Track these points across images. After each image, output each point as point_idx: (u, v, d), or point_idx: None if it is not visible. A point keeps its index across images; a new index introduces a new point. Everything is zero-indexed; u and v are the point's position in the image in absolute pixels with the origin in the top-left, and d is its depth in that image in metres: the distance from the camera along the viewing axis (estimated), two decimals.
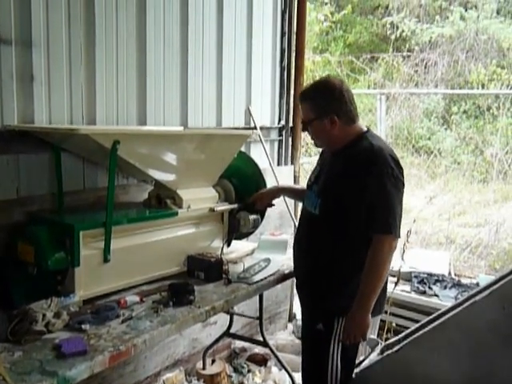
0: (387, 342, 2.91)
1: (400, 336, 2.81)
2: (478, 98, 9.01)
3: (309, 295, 2.70)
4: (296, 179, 4.71)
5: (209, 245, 3.00)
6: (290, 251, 3.03)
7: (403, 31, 10.19)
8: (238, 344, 4.18)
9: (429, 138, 9.15)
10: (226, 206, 3.04)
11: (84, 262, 2.33)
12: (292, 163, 4.72)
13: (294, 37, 4.56)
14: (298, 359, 4.27)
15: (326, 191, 2.55)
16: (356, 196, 2.40)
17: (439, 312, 2.77)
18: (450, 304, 4.42)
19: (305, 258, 2.67)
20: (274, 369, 4.00)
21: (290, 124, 4.64)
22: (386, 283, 2.68)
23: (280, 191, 3.17)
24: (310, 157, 6.53)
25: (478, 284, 4.85)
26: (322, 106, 2.50)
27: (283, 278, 2.92)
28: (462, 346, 2.49)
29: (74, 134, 2.27)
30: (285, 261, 3.04)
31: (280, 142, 4.61)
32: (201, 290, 2.54)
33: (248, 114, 4.13)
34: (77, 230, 2.28)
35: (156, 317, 2.22)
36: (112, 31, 2.97)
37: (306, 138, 4.93)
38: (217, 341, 3.71)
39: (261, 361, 4.10)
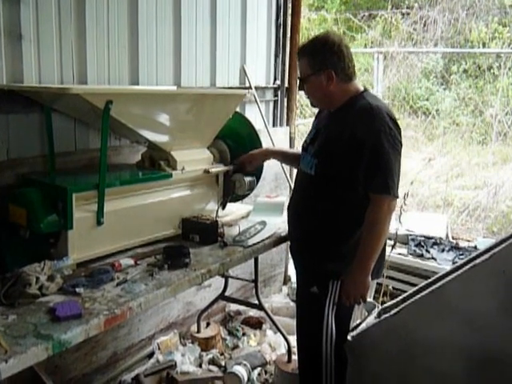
0: (384, 306, 2.95)
1: (397, 299, 2.85)
2: (478, 57, 8.94)
3: (304, 258, 2.73)
4: (291, 141, 4.70)
5: (204, 207, 3.00)
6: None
7: None
8: (233, 307, 4.24)
9: (427, 99, 9.11)
10: (220, 168, 3.03)
11: (77, 224, 2.33)
12: (287, 124, 4.70)
13: None
14: (293, 322, 4.29)
15: (322, 151, 2.56)
16: (353, 156, 2.41)
17: (438, 275, 2.80)
18: (447, 267, 4.50)
19: (300, 220, 2.69)
20: (269, 332, 4.07)
21: (286, 84, 4.60)
22: (385, 246, 2.71)
23: (270, 154, 3.14)
24: (304, 118, 6.50)
25: (475, 247, 4.90)
26: (319, 61, 2.49)
27: (279, 241, 2.94)
28: (460, 310, 2.52)
29: (65, 93, 2.25)
30: (281, 224, 3.05)
31: (275, 102, 4.58)
32: (196, 253, 2.56)
33: (243, 73, 4.09)
34: (70, 193, 2.27)
35: (151, 280, 2.24)
36: None
37: (301, 99, 4.89)
38: (211, 304, 3.75)
39: (256, 324, 4.16)
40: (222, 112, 2.93)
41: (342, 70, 2.49)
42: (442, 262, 4.53)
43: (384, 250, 2.69)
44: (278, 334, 3.73)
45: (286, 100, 4.65)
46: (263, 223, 3.07)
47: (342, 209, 2.52)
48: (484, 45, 8.88)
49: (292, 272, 4.96)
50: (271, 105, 4.55)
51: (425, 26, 9.85)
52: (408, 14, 10.01)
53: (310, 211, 2.61)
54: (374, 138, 2.37)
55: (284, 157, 3.19)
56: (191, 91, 3.19)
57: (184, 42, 3.49)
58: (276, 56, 4.47)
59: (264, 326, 4.13)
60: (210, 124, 2.92)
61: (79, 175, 2.68)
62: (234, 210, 3.24)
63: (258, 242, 2.80)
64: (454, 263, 4.63)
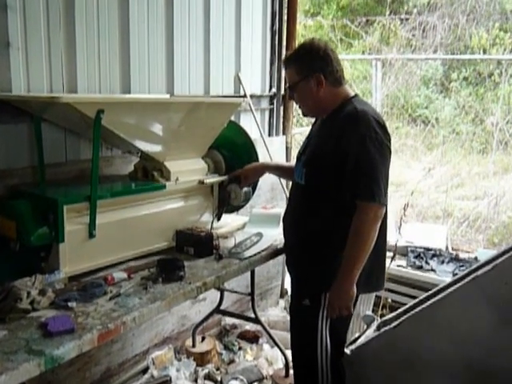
0: (384, 319, 2.96)
1: (397, 312, 2.86)
2: (479, 64, 9.01)
3: (297, 270, 2.76)
4: (288, 151, 4.73)
5: (198, 219, 3.02)
6: None
7: None
8: (229, 321, 4.25)
9: (426, 107, 9.17)
10: (215, 178, 3.06)
11: (68, 237, 2.34)
12: (284, 134, 4.73)
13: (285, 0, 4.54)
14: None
15: (310, 160, 2.60)
16: (339, 162, 2.43)
17: (438, 287, 2.81)
18: (447, 279, 4.52)
19: (292, 232, 2.73)
20: (266, 346, 4.08)
21: (282, 92, 4.63)
22: (384, 258, 2.73)
23: (265, 168, 3.15)
24: (301, 127, 6.53)
25: (476, 258, 4.93)
26: (306, 66, 2.53)
27: (276, 253, 2.95)
28: (462, 322, 2.53)
29: (55, 102, 2.26)
30: (277, 235, 3.07)
31: (271, 111, 4.61)
32: (191, 266, 2.57)
33: (237, 81, 4.12)
34: (61, 204, 2.29)
35: (145, 293, 2.25)
36: None
37: (297, 107, 4.91)
38: (207, 318, 3.77)
39: (252, 338, 4.17)
40: (217, 121, 2.95)
41: (331, 74, 2.54)
42: (442, 274, 4.55)
43: (382, 261, 2.72)
44: (275, 348, 3.75)
45: (282, 108, 4.68)
46: (259, 235, 3.08)
47: (332, 219, 2.54)
48: (484, 51, 8.95)
49: (289, 285, 4.98)
50: (267, 113, 4.58)
51: (424, 32, 9.93)
52: (407, 19, 10.10)
53: (302, 222, 2.64)
54: (359, 143, 2.39)
55: (281, 171, 3.23)
56: (185, 99, 3.22)
57: (177, 50, 3.52)
58: (271, 63, 4.50)
59: (261, 340, 4.14)
60: (204, 133, 2.94)
61: (70, 187, 2.71)
62: (230, 221, 3.27)
63: (255, 254, 2.82)
64: (454, 275, 4.65)
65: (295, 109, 4.82)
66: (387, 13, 10.36)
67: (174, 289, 2.32)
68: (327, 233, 2.55)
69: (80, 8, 2.87)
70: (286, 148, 4.71)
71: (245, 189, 3.10)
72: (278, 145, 4.59)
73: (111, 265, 2.54)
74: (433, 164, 7.71)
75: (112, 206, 2.55)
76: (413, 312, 2.69)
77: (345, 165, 2.42)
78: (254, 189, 3.22)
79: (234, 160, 3.17)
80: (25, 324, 1.96)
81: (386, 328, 2.73)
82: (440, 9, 10.03)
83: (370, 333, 2.96)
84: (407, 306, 2.88)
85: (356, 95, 2.62)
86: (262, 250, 2.88)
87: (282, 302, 4.89)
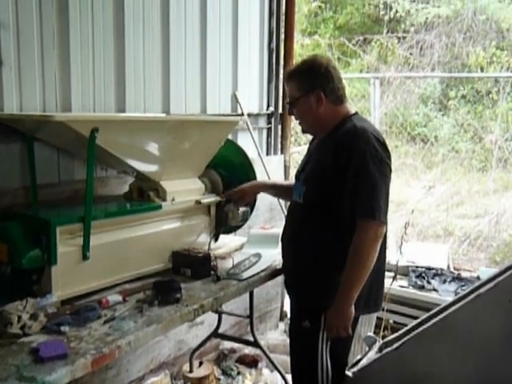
0: (386, 340, 2.91)
1: (399, 333, 2.81)
2: (476, 82, 9.03)
3: (296, 291, 2.72)
4: (286, 170, 4.70)
5: (195, 240, 2.97)
6: None
7: (397, 12, 10.18)
8: (227, 345, 4.18)
9: (425, 125, 9.17)
10: (212, 198, 3.02)
11: (61, 259, 2.29)
12: (282, 153, 4.71)
13: (282, 17, 4.54)
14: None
15: (309, 178, 2.58)
16: (338, 180, 2.41)
17: (441, 307, 2.77)
18: (449, 299, 4.47)
19: (291, 251, 2.69)
20: (266, 370, 4.01)
21: (280, 110, 4.62)
22: (383, 278, 2.69)
23: (261, 187, 3.12)
24: (299, 146, 6.52)
25: (478, 277, 4.88)
26: (307, 82, 2.53)
27: (275, 273, 2.90)
28: (465, 342, 2.49)
29: (48, 121, 2.23)
30: (276, 256, 3.02)
31: (269, 130, 4.59)
32: (188, 288, 2.52)
33: (234, 100, 4.10)
34: (53, 226, 2.24)
35: (140, 317, 2.20)
36: (87, 12, 2.93)
37: (295, 126, 4.91)
38: (204, 342, 3.69)
39: (251, 362, 4.10)
40: (214, 140, 2.92)
41: (332, 92, 2.53)
42: (444, 294, 4.50)
43: (382, 281, 2.68)
44: (275, 372, 3.68)
45: (279, 127, 4.66)
46: (258, 255, 3.04)
47: (331, 238, 2.50)
48: (482, 69, 8.98)
49: (288, 307, 4.92)
50: (265, 132, 4.56)
51: (421, 50, 9.97)
52: (404, 38, 10.14)
53: (301, 242, 2.60)
54: (359, 161, 2.37)
55: (277, 190, 3.19)
56: (181, 118, 3.19)
57: (173, 68, 3.51)
58: (269, 82, 4.49)
59: (260, 365, 4.07)
60: (201, 152, 2.91)
61: (63, 208, 2.66)
62: (227, 241, 3.22)
63: (253, 275, 2.77)
64: (456, 294, 4.61)
65: (293, 127, 4.81)
66: (384, 31, 10.41)
67: (170, 311, 2.26)
68: (327, 252, 2.51)
69: (74, 25, 2.86)
70: (285, 167, 4.68)
71: (243, 209, 3.06)
72: (276, 164, 4.56)
73: (106, 287, 2.48)
74: (433, 182, 7.70)
75: (106, 227, 2.51)
76: (415, 332, 2.63)
77: (344, 182, 2.40)
78: (251, 209, 3.18)
79: (231, 179, 3.14)
80: (15, 349, 1.90)
81: (388, 349, 2.68)
82: (437, 28, 10.08)
83: (372, 354, 2.90)
84: (409, 327, 2.82)
85: (356, 113, 2.60)
86: (261, 271, 2.83)
87: (282, 325, 4.83)
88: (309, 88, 2.52)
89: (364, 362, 2.79)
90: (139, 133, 2.53)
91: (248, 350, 4.09)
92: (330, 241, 2.49)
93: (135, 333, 2.06)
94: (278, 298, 4.82)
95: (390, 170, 2.46)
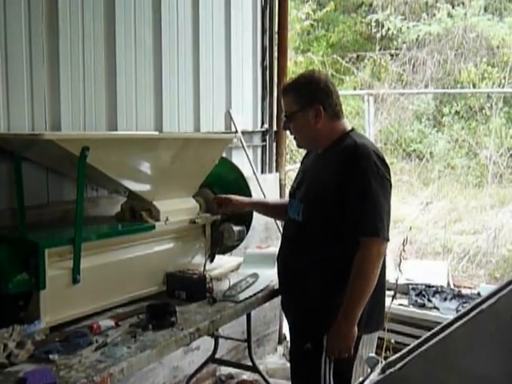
0: (389, 360, 2.79)
1: (402, 353, 2.70)
2: (469, 99, 9.04)
3: (295, 312, 2.61)
4: (282, 188, 4.62)
5: (190, 261, 2.88)
6: None
7: (389, 29, 10.21)
8: (224, 370, 4.05)
9: (420, 142, 9.16)
10: (207, 218, 2.92)
11: (50, 283, 2.19)
12: (277, 170, 4.64)
13: (275, 35, 4.50)
14: None
15: (308, 195, 2.50)
16: (340, 197, 2.35)
17: (443, 324, 2.67)
18: (451, 316, 4.36)
19: (289, 271, 2.60)
20: None
21: (274, 128, 4.56)
22: (384, 296, 2.61)
23: (248, 205, 3.00)
24: (294, 163, 6.45)
25: (479, 294, 4.80)
26: (306, 96, 2.46)
27: (273, 294, 2.80)
28: (470, 358, 2.39)
29: (38, 140, 2.14)
30: (273, 275, 2.91)
31: (263, 147, 4.52)
32: (183, 311, 2.41)
33: (228, 117, 4.03)
34: (42, 248, 2.14)
35: (134, 342, 2.09)
36: (77, 28, 2.86)
37: (290, 143, 4.85)
38: (201, 368, 3.56)
39: None
40: (208, 158, 2.84)
41: (330, 107, 2.47)
42: (446, 312, 4.41)
43: (383, 299, 2.59)
44: None
45: (274, 144, 4.59)
46: (255, 276, 2.94)
47: (332, 257, 2.42)
48: (474, 85, 9.00)
49: (287, 330, 4.81)
50: (259, 150, 4.49)
51: (414, 67, 10.00)
52: (397, 55, 10.16)
53: (299, 261, 2.51)
54: (361, 178, 2.32)
55: (266, 208, 3.09)
56: (174, 135, 3.10)
57: (165, 86, 3.44)
58: (263, 99, 4.44)
59: None
60: (195, 171, 2.83)
61: (52, 229, 2.57)
62: (223, 262, 3.11)
63: (251, 296, 2.66)
64: (457, 312, 4.51)
65: (288, 145, 4.74)
66: (377, 49, 10.44)
67: (165, 336, 2.16)
68: (327, 271, 2.43)
69: (64, 42, 2.79)
70: (280, 185, 4.60)
71: (238, 228, 2.97)
72: (272, 182, 4.48)
73: (97, 312, 2.38)
74: (430, 198, 7.65)
75: (97, 249, 2.41)
76: (418, 351, 2.53)
77: (346, 200, 2.33)
78: (248, 227, 3.08)
79: None
80: (1, 380, 1.79)
81: (392, 370, 2.57)
82: (429, 45, 10.13)
83: (375, 376, 2.81)
84: (411, 346, 2.71)
85: (353, 129, 2.55)
86: (258, 292, 2.73)
87: (281, 349, 4.71)
88: (307, 102, 2.46)
89: (367, 383, 2.69)
90: (131, 151, 2.45)
91: (246, 376, 3.97)
92: (331, 259, 2.41)
93: (128, 359, 1.95)
94: (276, 321, 4.70)
95: (391, 186, 2.41)
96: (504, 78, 8.60)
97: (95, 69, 2.96)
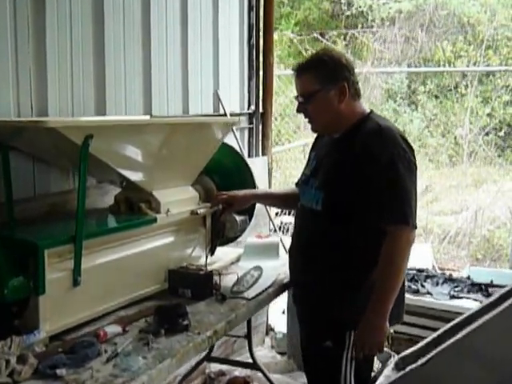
0: (402, 355, 2.67)
1: (418, 347, 2.58)
2: (444, 77, 8.99)
3: (313, 307, 2.44)
4: (270, 172, 4.45)
5: (190, 255, 2.69)
6: (283, 256, 2.80)
7: (360, 7, 10.06)
8: (214, 367, 3.85)
9: (395, 121, 9.07)
10: (209, 208, 2.73)
11: (50, 287, 1.97)
12: (263, 154, 4.45)
13: (261, 13, 4.29)
14: (286, 379, 4.02)
15: (328, 183, 2.32)
16: (365, 184, 2.19)
17: (463, 317, 2.56)
18: (444, 302, 4.31)
19: (307, 264, 2.41)
20: None
21: (260, 109, 4.37)
22: (404, 286, 2.47)
23: (254, 197, 2.84)
24: (276, 145, 6.27)
25: (469, 278, 4.75)
26: (329, 74, 2.27)
27: (282, 288, 2.65)
28: (499, 356, 2.28)
29: (39, 127, 1.91)
30: (279, 267, 2.77)
31: (250, 130, 4.33)
32: (193, 312, 2.23)
33: (216, 99, 3.82)
34: (41, 249, 1.92)
35: (148, 351, 1.90)
36: (65, 9, 2.62)
37: (278, 125, 4.67)
38: (195, 367, 3.33)
39: None
40: (211, 143, 2.65)
41: (353, 85, 2.30)
42: (439, 297, 4.33)
43: (404, 289, 2.46)
44: None
45: (260, 127, 4.41)
46: (259, 269, 2.77)
47: (357, 246, 2.27)
48: (449, 63, 8.94)
49: (275, 320, 4.68)
50: (246, 133, 4.30)
51: (384, 45, 9.89)
52: (370, 32, 10.03)
53: (320, 252, 2.34)
54: (388, 163, 2.16)
55: (271, 199, 2.98)
56: (183, 120, 2.85)
57: (154, 68, 3.21)
58: (250, 79, 4.23)
59: None
60: (195, 157, 2.63)
61: (45, 225, 2.33)
62: (222, 254, 2.92)
63: (261, 292, 2.49)
64: (451, 297, 4.45)
65: (275, 127, 4.56)
66: (344, 26, 10.30)
67: (181, 342, 1.97)
68: (351, 262, 2.28)
69: (51, 20, 2.54)
70: (268, 169, 4.42)
71: (241, 217, 2.79)
72: (261, 166, 4.30)
73: (100, 316, 2.18)
74: None
75: (97, 247, 2.20)
76: (443, 346, 2.40)
77: (371, 186, 2.18)
78: (250, 217, 2.90)
79: (226, 186, 2.85)
80: None
81: (412, 366, 2.44)
82: (399, 23, 10.03)
83: (389, 372, 2.68)
84: (428, 340, 2.59)
85: (372, 111, 2.38)
86: (268, 287, 2.56)
87: (268, 340, 4.57)
88: (331, 80, 2.26)
89: (382, 380, 2.56)
90: (133, 138, 2.24)
91: (238, 372, 3.77)
92: (355, 250, 2.27)
93: (148, 372, 1.76)
94: (263, 312, 4.54)
95: (416, 169, 2.25)
96: (480, 55, 8.55)
97: (83, 52, 2.73)
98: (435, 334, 2.57)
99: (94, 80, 2.80)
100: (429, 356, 2.38)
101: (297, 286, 2.54)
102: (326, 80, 2.26)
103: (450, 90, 8.84)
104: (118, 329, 2.05)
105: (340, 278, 2.29)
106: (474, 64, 8.66)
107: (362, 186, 2.19)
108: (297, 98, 2.37)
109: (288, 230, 5.68)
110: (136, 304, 2.34)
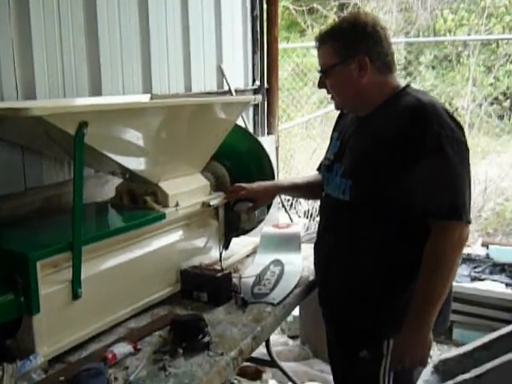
0: (444, 358, 2.38)
1: (460, 352, 2.28)
2: (445, 47, 8.61)
3: (345, 312, 2.08)
4: (277, 151, 4.09)
5: (202, 251, 2.35)
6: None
7: None
8: None
9: None
10: (223, 198, 2.38)
11: (46, 303, 1.63)
12: (269, 132, 4.09)
13: None
14: (302, 367, 3.73)
15: (357, 169, 1.95)
16: (403, 170, 1.82)
17: None
18: (466, 284, 3.98)
19: (336, 262, 2.05)
20: (272, 382, 3.42)
21: (266, 85, 3.99)
22: (451, 287, 2.12)
23: (278, 189, 2.49)
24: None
25: (488, 256, 4.46)
26: (348, 45, 1.89)
27: (310, 288, 2.29)
28: None
29: (21, 116, 1.54)
30: (301, 262, 2.43)
31: (255, 107, 3.95)
32: (212, 321, 1.89)
33: (220, 75, 3.44)
34: (32, 261, 1.57)
35: (165, 376, 1.56)
36: None
37: (283, 101, 4.30)
38: None
39: (254, 374, 3.49)
40: (223, 125, 2.27)
41: (379, 57, 1.91)
42: (460, 279, 4.05)
43: (451, 291, 2.10)
44: None
45: (266, 104, 4.03)
46: (279, 263, 2.44)
47: (396, 243, 1.91)
48: (450, 32, 8.54)
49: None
50: (251, 110, 3.92)
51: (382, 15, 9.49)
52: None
53: (351, 249, 1.98)
54: (433, 146, 1.78)
55: (296, 190, 2.55)
56: (193, 101, 2.42)
57: (153, 42, 2.82)
58: (254, 53, 3.84)
59: (264, 376, 3.47)
60: (206, 142, 2.26)
61: (36, 227, 1.97)
62: (234, 246, 2.53)
63: (288, 295, 2.15)
64: (472, 279, 4.16)
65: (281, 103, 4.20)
66: None
67: (203, 366, 1.62)
68: (391, 264, 1.92)
69: None
70: (276, 148, 4.07)
71: None
72: (268, 146, 3.91)
73: (105, 330, 1.84)
74: None
75: (98, 252, 1.85)
76: (502, 360, 2.08)
77: (413, 175, 1.80)
78: (268, 206, 2.55)
79: (240, 171, 2.51)
80: None
81: (466, 377, 2.13)
82: None
83: (429, 375, 2.37)
84: (476, 344, 2.29)
85: (409, 85, 1.99)
86: (295, 287, 2.22)
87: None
88: (349, 52, 1.89)
89: None
90: (136, 123, 1.86)
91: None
92: (394, 249, 1.90)
93: None
94: None
95: (468, 152, 1.87)
96: (482, 24, 8.14)
97: (73, 24, 2.33)
98: (484, 339, 2.27)
99: (87, 56, 2.41)
100: (485, 368, 2.07)
101: (324, 285, 2.18)
102: (343, 52, 1.89)
103: (451, 60, 8.45)
104: (128, 348, 1.71)
105: (378, 280, 1.94)
106: (476, 33, 8.25)
107: (400, 173, 1.82)
108: (318, 70, 2.00)
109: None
110: (146, 311, 2.01)
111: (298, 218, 5.09)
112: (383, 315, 1.94)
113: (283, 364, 3.30)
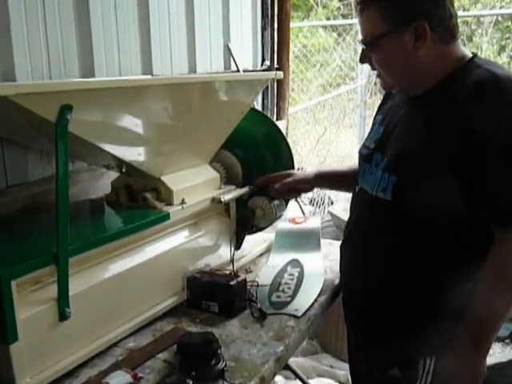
0: None
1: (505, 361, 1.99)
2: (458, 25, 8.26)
3: (375, 323, 1.76)
4: (287, 136, 3.76)
5: (212, 253, 2.04)
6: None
7: None
8: None
9: None
10: (235, 192, 2.07)
11: (26, 329, 1.33)
12: (279, 117, 3.76)
13: None
14: (310, 362, 3.50)
15: (403, 163, 1.59)
16: (464, 167, 1.46)
17: None
18: None
19: (369, 268, 1.72)
20: (279, 378, 3.23)
21: (275, 65, 3.65)
22: None
23: (319, 180, 2.11)
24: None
25: None
26: (402, 9, 1.52)
27: (336, 293, 1.98)
28: None
29: None
30: (322, 262, 2.13)
31: (265, 89, 3.62)
32: (225, 339, 1.59)
33: (227, 54, 3.11)
34: (5, 280, 1.26)
35: None
36: None
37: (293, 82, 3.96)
38: None
39: None
40: (236, 108, 1.94)
41: (441, 22, 1.52)
42: None
43: None
44: (291, 380, 3.08)
45: (275, 86, 3.70)
46: (297, 264, 2.14)
47: (443, 252, 1.58)
48: (464, 9, 8.16)
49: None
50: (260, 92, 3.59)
51: None
52: None
53: (389, 255, 1.65)
54: (507, 136, 1.42)
55: (336, 181, 2.18)
56: (203, 78, 2.09)
57: (153, 18, 2.48)
58: (263, 29, 3.49)
59: None
60: (218, 127, 1.94)
61: (16, 232, 1.66)
62: (245, 243, 2.23)
63: (312, 304, 1.84)
64: None
65: (294, 85, 3.87)
66: None
67: None
68: (433, 271, 1.60)
69: None
70: (286, 134, 3.74)
71: (275, 201, 2.13)
72: None
73: (98, 353, 1.54)
74: None
75: (89, 261, 1.54)
76: None
77: (478, 169, 1.46)
78: (287, 201, 2.24)
79: (254, 161, 2.20)
80: None
81: None
82: None
83: None
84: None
85: (476, 54, 1.60)
86: (319, 295, 1.91)
87: None
88: (404, 18, 1.51)
89: None
90: (132, 107, 1.54)
91: None
92: (441, 255, 1.58)
93: None
94: None
95: None
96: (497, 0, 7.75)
97: None
98: None
99: (77, 32, 2.08)
100: None
101: (352, 292, 1.85)
102: (395, 18, 1.52)
103: (463, 39, 8.09)
104: (126, 378, 1.41)
105: (418, 291, 1.63)
106: (492, 9, 7.84)
107: (458, 169, 1.47)
108: (361, 41, 1.64)
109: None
110: (148, 326, 1.71)
111: (304, 206, 4.80)
112: (421, 328, 1.61)
113: (291, 359, 3.07)
